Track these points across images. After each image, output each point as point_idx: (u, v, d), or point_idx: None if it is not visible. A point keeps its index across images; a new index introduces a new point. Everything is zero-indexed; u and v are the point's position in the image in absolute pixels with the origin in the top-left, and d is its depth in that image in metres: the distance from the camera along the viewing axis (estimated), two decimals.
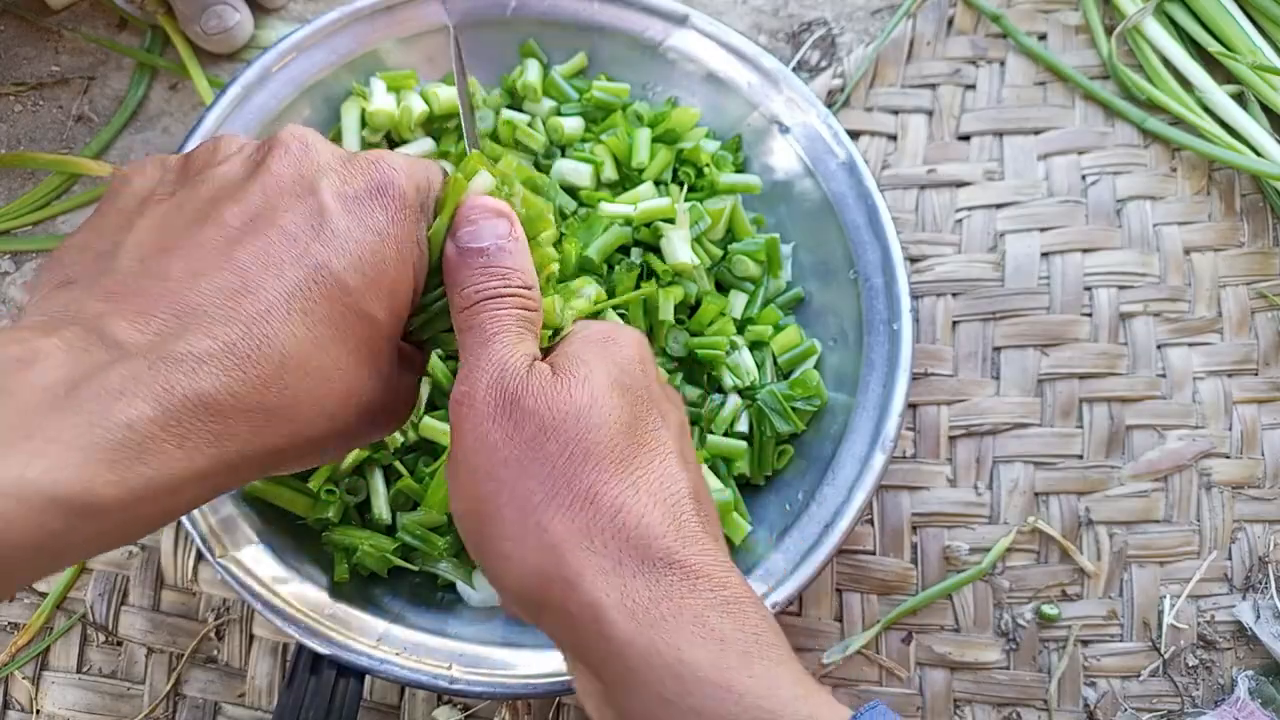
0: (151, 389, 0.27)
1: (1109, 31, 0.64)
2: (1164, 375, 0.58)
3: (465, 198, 0.35)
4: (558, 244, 0.41)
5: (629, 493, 0.31)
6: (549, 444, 0.32)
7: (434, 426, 0.49)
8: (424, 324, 0.37)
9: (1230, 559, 0.56)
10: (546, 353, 0.36)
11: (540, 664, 0.46)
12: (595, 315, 0.44)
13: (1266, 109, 0.62)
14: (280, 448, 0.30)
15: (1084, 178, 0.62)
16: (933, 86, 0.64)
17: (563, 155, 0.55)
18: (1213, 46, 0.62)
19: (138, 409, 0.26)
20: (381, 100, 0.53)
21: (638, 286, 0.51)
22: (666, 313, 0.51)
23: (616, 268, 0.51)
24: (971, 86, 0.64)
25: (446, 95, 0.53)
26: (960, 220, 0.61)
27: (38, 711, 0.52)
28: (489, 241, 0.34)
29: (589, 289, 0.43)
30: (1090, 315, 0.59)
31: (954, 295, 0.60)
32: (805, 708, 0.29)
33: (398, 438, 0.49)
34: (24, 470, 0.24)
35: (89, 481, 0.25)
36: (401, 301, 0.34)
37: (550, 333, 0.38)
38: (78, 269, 0.31)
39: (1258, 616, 0.55)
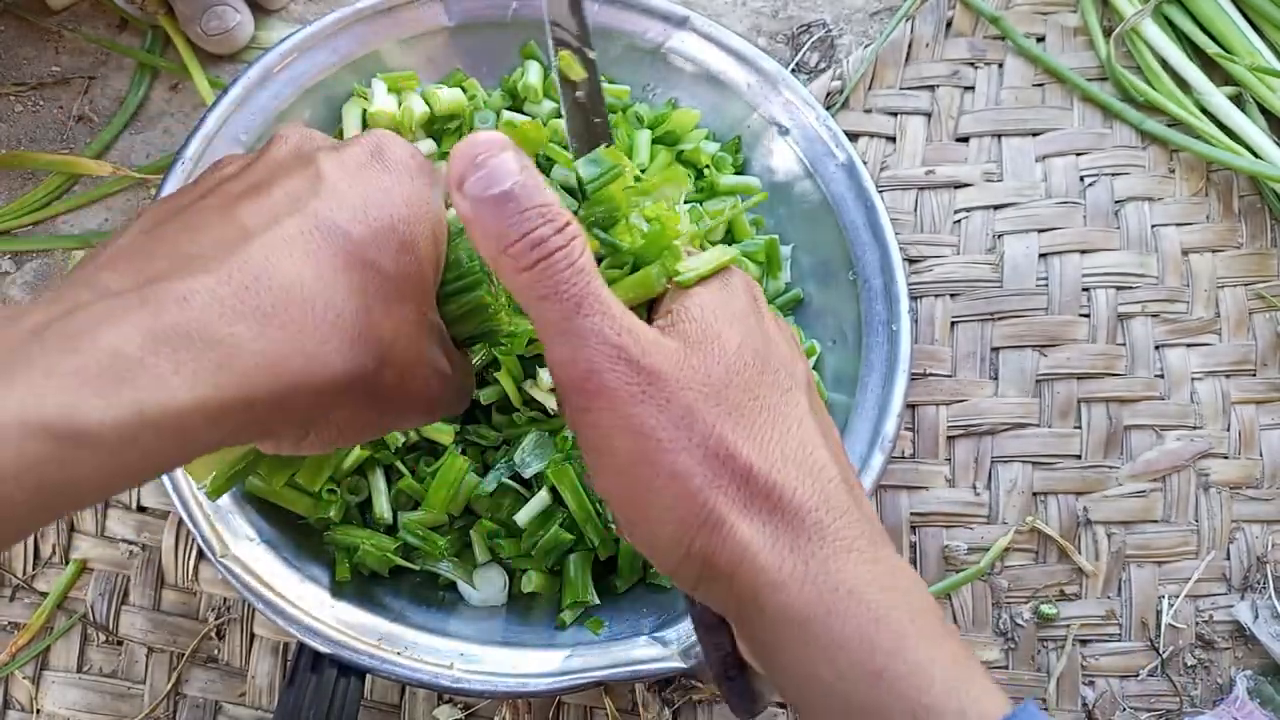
0: (139, 315, 0.25)
1: (1107, 33, 0.64)
2: (1162, 376, 0.59)
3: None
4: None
5: (778, 468, 0.30)
6: (702, 417, 0.30)
7: (434, 425, 0.49)
8: (459, 319, 0.35)
9: (1228, 559, 0.56)
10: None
11: (541, 663, 0.46)
12: None
13: (1264, 110, 0.62)
14: (293, 384, 0.28)
15: (1082, 179, 0.62)
16: (931, 88, 0.64)
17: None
18: (1211, 48, 0.62)
19: (122, 333, 0.24)
20: (383, 101, 0.53)
21: None
22: None
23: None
24: (970, 88, 0.64)
25: (447, 96, 0.54)
26: (959, 221, 0.61)
27: (38, 711, 0.52)
28: (510, 182, 0.29)
29: (711, 252, 0.35)
30: (1088, 316, 0.59)
31: (952, 296, 0.60)
32: (957, 702, 0.27)
33: (399, 437, 0.49)
34: None
35: (72, 407, 0.23)
36: (419, 261, 0.31)
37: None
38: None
39: (1256, 616, 0.55)
